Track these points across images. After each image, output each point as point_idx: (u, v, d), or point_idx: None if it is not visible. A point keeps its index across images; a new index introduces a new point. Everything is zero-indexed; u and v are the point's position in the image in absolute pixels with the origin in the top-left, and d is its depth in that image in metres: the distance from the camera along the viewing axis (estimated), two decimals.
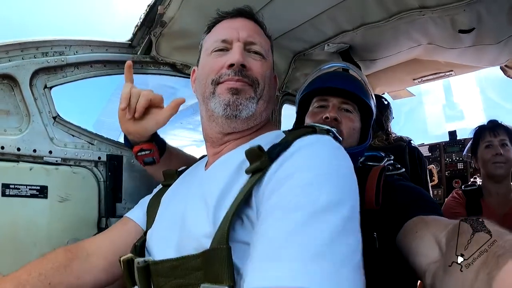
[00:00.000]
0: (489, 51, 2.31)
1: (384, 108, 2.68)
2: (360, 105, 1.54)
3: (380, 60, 2.70)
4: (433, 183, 3.63)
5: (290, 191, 0.69)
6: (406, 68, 3.11)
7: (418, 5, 1.89)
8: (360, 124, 1.54)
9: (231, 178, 0.86)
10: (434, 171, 3.59)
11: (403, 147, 2.15)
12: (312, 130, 0.91)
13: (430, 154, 3.93)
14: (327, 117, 1.40)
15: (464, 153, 2.98)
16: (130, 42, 1.87)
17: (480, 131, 2.13)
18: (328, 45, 2.37)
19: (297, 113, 1.70)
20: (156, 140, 1.39)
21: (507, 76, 2.92)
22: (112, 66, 1.81)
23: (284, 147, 0.81)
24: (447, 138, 3.94)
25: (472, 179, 2.76)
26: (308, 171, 0.72)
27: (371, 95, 1.62)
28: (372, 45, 2.45)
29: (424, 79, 3.27)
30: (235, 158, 0.91)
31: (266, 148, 0.83)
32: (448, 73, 3.09)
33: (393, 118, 2.75)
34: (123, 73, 1.23)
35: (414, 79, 3.33)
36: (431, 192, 3.68)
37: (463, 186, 2.36)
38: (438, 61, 2.91)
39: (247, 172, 0.83)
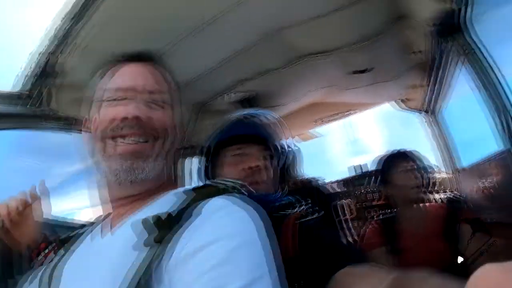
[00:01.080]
0: (387, 87, 2.57)
1: (294, 153, 2.71)
2: (274, 149, 1.50)
3: (283, 106, 2.77)
4: (352, 216, 3.77)
5: (197, 272, 0.62)
6: (307, 111, 3.25)
7: (314, 51, 2.01)
8: (276, 169, 1.48)
9: (126, 252, 0.73)
10: (351, 205, 3.74)
11: (311, 188, 2.24)
12: (219, 190, 0.83)
13: (344, 189, 4.12)
14: (250, 167, 1.33)
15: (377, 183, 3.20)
16: (19, 93, 1.61)
17: (392, 159, 2.26)
18: (230, 94, 2.37)
19: (206, 166, 1.57)
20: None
21: (408, 108, 3.26)
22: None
23: (189, 214, 0.73)
24: (354, 172, 4.22)
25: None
26: (217, 246, 0.65)
27: (287, 136, 1.61)
28: (275, 92, 2.50)
29: (324, 120, 3.49)
30: (130, 229, 0.78)
31: (168, 212, 0.74)
32: (347, 113, 3.36)
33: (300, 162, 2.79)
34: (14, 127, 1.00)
35: (314, 122, 3.53)
36: (350, 225, 3.85)
37: (380, 215, 2.43)
38: (339, 102, 3.12)
39: (145, 244, 0.71)
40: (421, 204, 2.11)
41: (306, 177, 2.52)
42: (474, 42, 1.71)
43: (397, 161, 2.18)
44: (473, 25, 1.70)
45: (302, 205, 1.52)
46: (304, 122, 3.55)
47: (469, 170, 2.79)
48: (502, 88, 1.62)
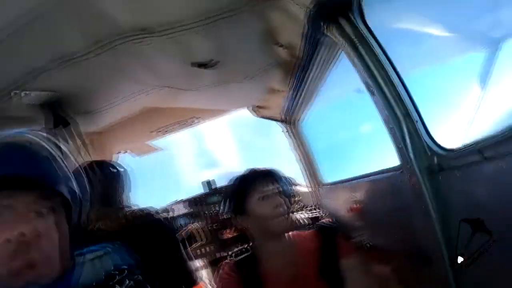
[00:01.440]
0: (237, 90, 2.06)
1: (113, 178, 1.96)
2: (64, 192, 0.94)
3: (104, 111, 2.01)
4: (202, 242, 3.22)
5: None
6: (143, 119, 2.53)
7: (133, 28, 1.31)
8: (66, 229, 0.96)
9: None
10: (200, 231, 3.20)
11: (144, 223, 1.82)
12: None
13: (191, 210, 3.55)
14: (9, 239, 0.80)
15: (223, 210, 2.73)
16: None
17: (247, 182, 1.73)
18: (24, 93, 1.55)
19: None
20: None
21: (260, 117, 2.87)
22: None
23: None
24: (203, 190, 3.71)
25: None
26: None
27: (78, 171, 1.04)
28: (87, 91, 1.73)
29: (165, 130, 2.79)
30: None
31: None
32: (191, 121, 2.75)
33: (129, 188, 2.09)
34: None
35: (152, 132, 2.79)
36: (205, 251, 3.33)
37: (233, 255, 1.87)
38: (180, 108, 2.51)
39: None
40: (287, 236, 1.71)
41: (138, 208, 2.01)
42: (362, 34, 1.28)
43: (257, 183, 1.69)
44: (363, 12, 1.29)
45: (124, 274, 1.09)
46: (139, 132, 2.78)
47: (335, 187, 2.51)
48: (394, 93, 1.29)
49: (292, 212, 2.45)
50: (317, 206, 2.85)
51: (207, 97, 2.18)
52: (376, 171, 1.73)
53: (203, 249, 3.24)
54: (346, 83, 2.43)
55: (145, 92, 1.90)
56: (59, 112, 1.77)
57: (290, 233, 1.76)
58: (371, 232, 1.98)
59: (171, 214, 3.56)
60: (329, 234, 1.72)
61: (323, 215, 2.42)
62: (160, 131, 2.82)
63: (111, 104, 1.93)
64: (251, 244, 1.78)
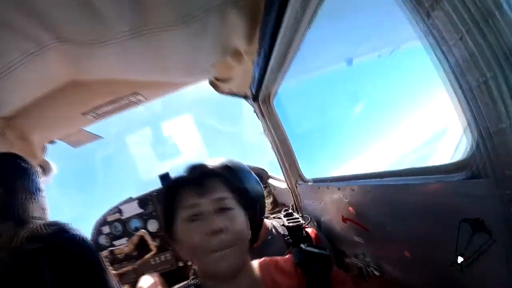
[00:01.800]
0: (174, 45, 1.47)
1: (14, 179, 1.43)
2: None
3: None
4: (152, 252, 2.64)
5: None
6: (67, 97, 1.90)
7: None
8: None
9: None
10: (147, 238, 2.61)
11: (48, 244, 1.26)
12: None
13: (142, 210, 2.97)
14: None
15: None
16: None
17: (173, 190, 1.07)
18: None
19: None
20: None
21: (219, 92, 2.28)
22: None
23: None
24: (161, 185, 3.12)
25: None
26: None
27: None
28: None
29: (99, 111, 2.15)
30: None
31: None
32: (133, 98, 2.12)
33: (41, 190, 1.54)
34: None
35: (84, 114, 2.15)
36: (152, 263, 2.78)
37: None
38: (114, 81, 1.88)
39: None
40: (248, 275, 1.12)
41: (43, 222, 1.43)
42: None
43: (184, 193, 1.05)
44: None
45: None
46: (66, 115, 2.16)
47: (318, 187, 1.94)
48: None
49: (267, 217, 1.87)
50: (296, 208, 2.29)
51: (135, 61, 1.58)
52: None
53: (157, 259, 2.68)
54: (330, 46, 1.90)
55: (38, 50, 1.30)
56: None
57: (257, 262, 1.18)
58: (376, 254, 1.44)
59: (119, 216, 3.01)
60: (318, 271, 1.11)
61: (305, 222, 1.86)
62: (95, 113, 2.18)
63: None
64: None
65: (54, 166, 2.86)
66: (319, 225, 2.01)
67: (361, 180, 1.38)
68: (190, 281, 1.24)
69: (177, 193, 1.08)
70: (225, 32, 1.49)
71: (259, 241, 1.75)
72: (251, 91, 2.04)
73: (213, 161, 1.65)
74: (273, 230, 1.84)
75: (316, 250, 1.18)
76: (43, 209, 1.64)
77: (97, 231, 2.98)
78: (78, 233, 1.40)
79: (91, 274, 1.34)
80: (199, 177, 1.11)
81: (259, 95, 2.05)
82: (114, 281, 1.43)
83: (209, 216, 1.03)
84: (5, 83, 1.49)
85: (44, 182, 2.69)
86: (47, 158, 2.70)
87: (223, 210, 1.05)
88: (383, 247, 1.35)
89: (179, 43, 1.47)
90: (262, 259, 1.20)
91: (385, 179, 1.18)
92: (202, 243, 1.00)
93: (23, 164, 1.52)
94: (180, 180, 1.13)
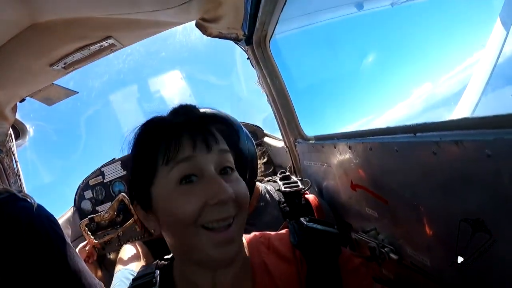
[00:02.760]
0: None
1: None
2: None
3: None
4: (134, 218, 2.43)
5: None
6: (29, 47, 1.67)
7: None
8: None
9: None
10: (128, 202, 2.41)
11: None
12: None
13: (126, 172, 2.77)
14: None
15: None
16: None
17: (156, 135, 0.77)
18: None
19: None
20: None
21: (207, 35, 1.97)
22: None
23: None
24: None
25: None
26: None
27: None
28: None
29: (67, 60, 1.88)
30: None
31: None
32: (106, 43, 1.84)
33: None
34: None
35: (52, 65, 1.89)
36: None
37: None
38: (83, 24, 1.60)
39: None
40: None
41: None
42: None
43: (173, 142, 0.78)
44: None
45: None
46: (35, 69, 1.90)
47: (322, 145, 1.64)
48: None
49: (259, 181, 1.68)
50: (294, 170, 2.08)
51: None
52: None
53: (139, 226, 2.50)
54: None
55: None
56: None
57: (245, 238, 0.95)
58: (395, 232, 1.18)
59: (102, 179, 2.83)
60: (323, 256, 0.86)
61: (305, 187, 1.65)
62: (63, 63, 1.92)
63: None
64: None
65: (29, 128, 2.66)
66: (320, 192, 1.78)
67: (383, 136, 1.11)
68: (160, 261, 0.99)
69: (163, 140, 0.78)
70: None
71: (250, 207, 1.53)
72: (244, 31, 1.77)
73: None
74: (267, 196, 1.62)
75: (320, 227, 0.92)
76: (5, 172, 1.44)
77: (80, 196, 2.81)
78: (31, 202, 1.20)
79: (49, 248, 1.14)
80: (195, 119, 0.82)
81: (253, 37, 1.78)
82: (76, 257, 1.24)
83: (210, 178, 0.75)
84: None
85: (18, 145, 2.51)
86: (21, 118, 2.51)
87: (225, 170, 0.80)
88: (405, 225, 1.09)
89: None
90: (252, 234, 0.96)
91: (424, 134, 0.90)
92: (192, 215, 0.73)
93: None
94: (167, 121, 0.84)
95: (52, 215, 1.25)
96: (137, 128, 0.86)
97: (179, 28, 1.95)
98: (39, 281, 1.10)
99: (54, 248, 1.16)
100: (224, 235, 0.74)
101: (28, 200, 1.20)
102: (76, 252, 1.26)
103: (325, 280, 0.82)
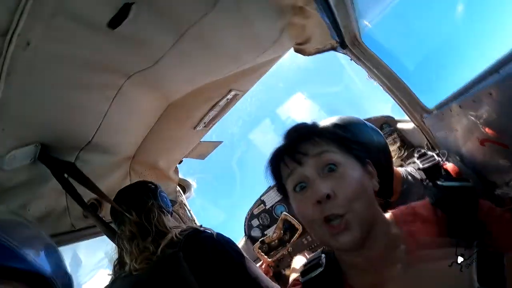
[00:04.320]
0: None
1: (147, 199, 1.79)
2: None
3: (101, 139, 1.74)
4: (299, 231, 2.67)
5: None
6: (174, 121, 2.21)
7: None
8: None
9: None
10: (290, 219, 2.69)
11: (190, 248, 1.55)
12: None
13: (282, 195, 3.12)
14: None
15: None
16: None
17: (274, 162, 1.10)
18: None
19: None
20: None
21: (307, 55, 2.25)
22: None
23: None
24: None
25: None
26: None
27: None
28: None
29: (206, 120, 2.36)
30: None
31: None
32: (230, 96, 2.24)
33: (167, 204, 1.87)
34: None
35: (195, 127, 2.40)
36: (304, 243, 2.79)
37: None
38: (206, 89, 2.04)
39: None
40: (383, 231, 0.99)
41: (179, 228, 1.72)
42: None
43: (284, 160, 1.04)
44: None
45: None
46: (182, 137, 2.48)
47: (441, 113, 1.74)
48: None
49: (401, 166, 1.78)
50: (432, 146, 2.10)
51: (207, 63, 1.71)
52: None
53: (308, 237, 2.78)
54: None
55: (119, 92, 1.52)
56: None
57: (392, 214, 1.08)
58: None
59: (264, 206, 3.25)
60: (461, 208, 0.94)
61: (442, 158, 1.69)
62: (203, 123, 2.42)
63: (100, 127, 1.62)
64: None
65: (192, 182, 3.31)
66: (462, 158, 1.79)
67: (498, 74, 1.07)
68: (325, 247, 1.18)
69: (278, 164, 1.05)
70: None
71: (396, 194, 1.65)
72: (335, 39, 1.97)
73: (322, 122, 1.60)
74: (409, 178, 1.71)
75: (454, 184, 1.02)
76: (182, 220, 1.89)
77: (248, 226, 3.27)
78: (211, 232, 1.61)
79: (230, 262, 1.52)
80: (293, 140, 1.05)
81: (345, 40, 1.96)
82: (254, 266, 1.59)
83: (312, 182, 0.95)
84: (113, 130, 1.77)
85: (187, 197, 3.14)
86: (184, 176, 3.15)
87: (328, 168, 0.95)
88: None
89: (225, 25, 1.50)
90: (397, 208, 1.08)
91: None
92: (311, 216, 0.94)
93: (150, 186, 1.80)
94: (276, 150, 1.09)
95: (230, 239, 1.64)
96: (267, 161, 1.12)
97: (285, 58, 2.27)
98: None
99: (234, 262, 1.53)
100: (338, 227, 0.90)
101: (209, 231, 1.62)
102: (253, 263, 1.61)
103: (466, 231, 0.89)
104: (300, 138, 1.02)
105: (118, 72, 1.42)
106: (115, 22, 1.05)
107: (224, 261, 1.51)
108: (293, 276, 2.08)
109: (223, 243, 1.58)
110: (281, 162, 1.04)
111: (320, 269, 1.09)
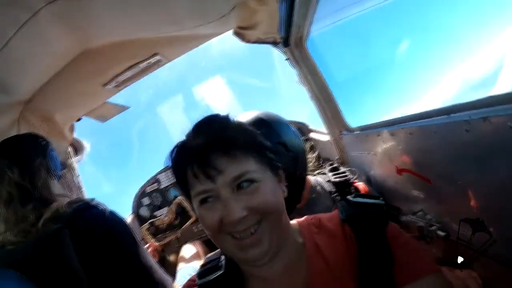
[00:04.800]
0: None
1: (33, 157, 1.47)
2: None
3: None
4: (192, 219, 2.70)
5: None
6: (83, 71, 1.91)
7: None
8: None
9: None
10: (185, 205, 2.62)
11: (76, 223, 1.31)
12: None
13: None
14: None
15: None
16: None
17: (179, 168, 0.94)
18: None
19: None
20: None
21: (245, 41, 2.14)
22: None
23: None
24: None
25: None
26: None
27: None
28: None
29: (119, 79, 2.12)
30: None
31: None
32: (153, 60, 2.05)
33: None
34: None
35: (105, 85, 2.13)
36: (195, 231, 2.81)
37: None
38: (129, 45, 1.81)
39: None
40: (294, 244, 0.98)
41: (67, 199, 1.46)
42: None
43: (186, 163, 0.90)
44: None
45: None
46: (87, 90, 2.17)
47: (365, 135, 1.81)
48: None
49: (310, 174, 1.80)
50: (344, 162, 2.19)
51: (143, 16, 1.53)
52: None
53: (199, 225, 2.71)
54: None
55: (32, 18, 1.25)
56: None
57: (297, 222, 1.01)
58: (440, 210, 1.30)
59: (158, 186, 3.08)
60: (371, 227, 0.92)
61: (353, 176, 1.76)
62: (115, 82, 2.16)
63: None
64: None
65: (86, 144, 2.97)
66: (369, 180, 1.89)
67: (422, 120, 1.21)
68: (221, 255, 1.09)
69: (184, 168, 0.90)
70: None
71: (303, 200, 1.66)
72: (281, 35, 1.91)
73: (243, 116, 1.54)
74: (318, 187, 1.74)
75: (366, 201, 0.99)
76: (69, 186, 1.64)
77: (138, 204, 3.08)
78: (104, 208, 1.41)
79: (122, 248, 1.36)
80: (207, 147, 0.87)
81: (290, 39, 1.91)
82: (147, 254, 1.43)
83: (225, 200, 0.85)
84: (12, 63, 1.47)
85: (77, 161, 2.81)
86: (78, 136, 2.81)
87: (243, 184, 0.86)
88: (450, 202, 1.19)
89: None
90: (303, 218, 1.05)
91: (456, 114, 0.99)
92: (217, 228, 0.85)
93: (41, 141, 1.52)
94: (185, 149, 0.93)
95: (123, 219, 1.45)
96: (171, 152, 0.95)
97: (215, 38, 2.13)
98: (117, 278, 1.30)
99: (127, 249, 1.36)
100: (248, 241, 0.84)
101: (101, 207, 1.40)
102: (147, 251, 1.47)
103: (375, 252, 0.87)
104: (215, 147, 0.87)
105: None
106: None
107: (115, 246, 1.33)
108: (181, 265, 1.98)
109: (115, 224, 1.39)
110: (188, 167, 0.89)
111: (219, 272, 1.01)
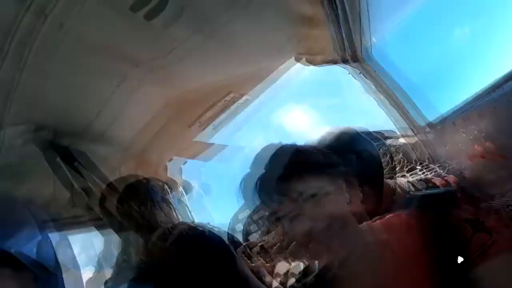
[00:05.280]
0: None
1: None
2: None
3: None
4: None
5: None
6: (170, 117, 2.22)
7: None
8: None
9: None
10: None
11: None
12: None
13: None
14: None
15: None
16: None
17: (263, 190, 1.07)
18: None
19: None
20: None
21: (314, 65, 2.22)
22: None
23: None
24: None
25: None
26: None
27: None
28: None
29: (201, 120, 2.39)
30: None
31: None
32: (228, 98, 2.28)
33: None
34: None
35: (190, 126, 2.42)
36: None
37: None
38: (206, 88, 2.08)
39: None
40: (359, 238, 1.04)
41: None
42: None
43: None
44: None
45: None
46: (175, 133, 2.46)
47: (443, 127, 1.84)
48: None
49: (390, 178, 1.85)
50: (426, 161, 2.18)
51: (212, 61, 1.76)
52: None
53: None
54: None
55: (124, 82, 1.53)
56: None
57: (380, 223, 1.08)
58: None
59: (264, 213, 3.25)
60: (442, 213, 0.98)
61: (442, 171, 1.76)
62: (199, 122, 2.43)
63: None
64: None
65: (179, 182, 3.27)
66: (461, 172, 1.88)
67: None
68: None
69: (268, 195, 1.01)
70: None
71: (383, 204, 1.73)
72: (344, 52, 2.03)
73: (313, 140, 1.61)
74: (397, 189, 1.79)
75: (436, 190, 1.07)
76: (170, 215, 1.93)
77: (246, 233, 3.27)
78: (205, 229, 1.62)
79: (221, 266, 1.53)
80: (272, 182, 0.99)
81: (355, 53, 2.02)
82: (244, 267, 1.62)
83: (293, 218, 0.96)
84: (113, 120, 1.78)
85: (173, 197, 3.11)
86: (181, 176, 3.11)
87: (309, 197, 0.96)
88: None
89: (240, 26, 1.54)
90: (385, 218, 1.10)
91: None
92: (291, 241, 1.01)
93: (143, 180, 1.82)
94: (264, 181, 1.03)
95: (221, 238, 1.67)
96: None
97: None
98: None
99: (232, 263, 1.57)
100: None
101: (201, 228, 1.64)
102: (243, 263, 1.68)
103: (445, 239, 0.92)
104: (290, 175, 0.99)
105: (131, 59, 1.44)
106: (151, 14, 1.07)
107: (222, 264, 1.54)
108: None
109: (215, 242, 1.62)
110: (269, 195, 1.01)
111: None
